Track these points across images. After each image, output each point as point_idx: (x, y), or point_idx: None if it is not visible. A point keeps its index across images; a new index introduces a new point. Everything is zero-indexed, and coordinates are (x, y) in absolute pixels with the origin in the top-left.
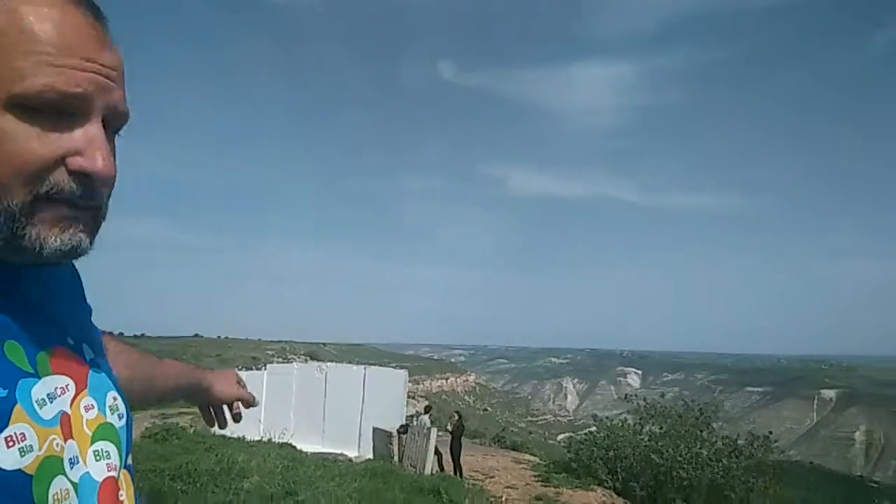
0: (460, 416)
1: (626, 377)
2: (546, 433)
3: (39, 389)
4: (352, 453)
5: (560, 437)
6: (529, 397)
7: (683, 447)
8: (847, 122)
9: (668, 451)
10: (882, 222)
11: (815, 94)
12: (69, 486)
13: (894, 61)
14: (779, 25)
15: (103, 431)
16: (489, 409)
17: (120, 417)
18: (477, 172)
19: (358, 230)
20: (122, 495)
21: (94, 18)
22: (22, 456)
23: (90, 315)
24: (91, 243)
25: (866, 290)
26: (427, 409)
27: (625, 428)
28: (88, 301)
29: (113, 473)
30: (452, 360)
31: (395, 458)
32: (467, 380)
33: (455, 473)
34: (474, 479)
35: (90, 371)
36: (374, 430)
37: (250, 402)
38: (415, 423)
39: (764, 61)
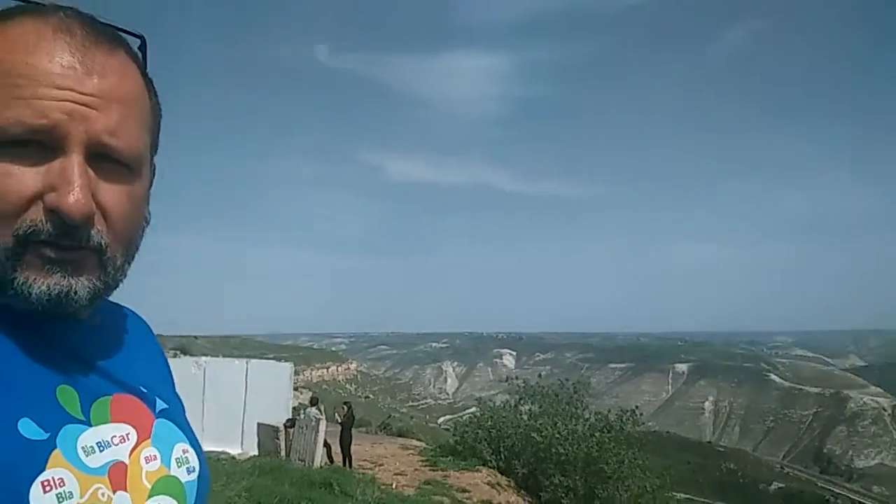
0: (350, 407)
1: (501, 358)
2: (427, 417)
3: (89, 437)
4: (235, 451)
5: (441, 419)
6: (411, 382)
7: (561, 424)
8: (704, 115)
9: (546, 429)
10: (730, 211)
11: (672, 90)
12: None
13: (733, 66)
14: (638, 27)
15: (165, 485)
16: (371, 396)
17: (189, 471)
18: (354, 158)
19: (229, 216)
20: None
21: (86, 42)
22: (60, 502)
23: (168, 371)
24: (90, 290)
25: (714, 272)
26: (314, 401)
27: (507, 409)
28: None
29: None
30: (333, 348)
31: (283, 454)
32: (349, 368)
33: (345, 464)
34: (364, 469)
35: (157, 421)
36: (259, 425)
37: None
38: (302, 416)
39: (627, 58)
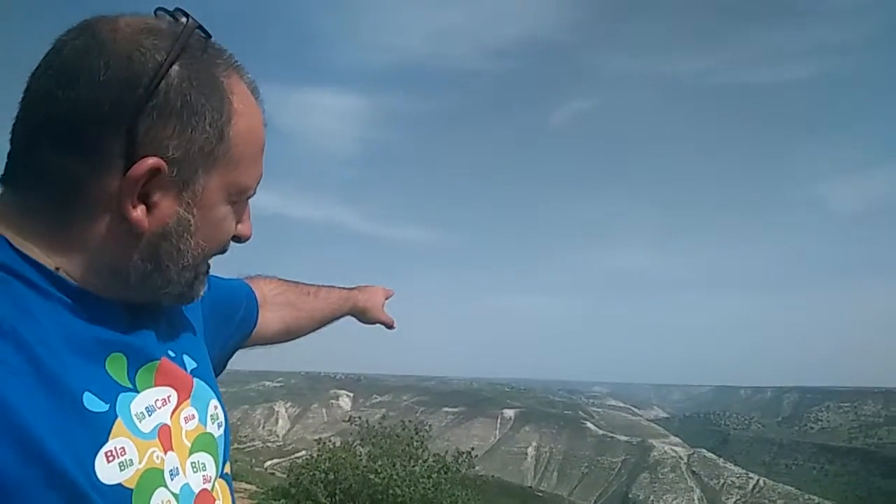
0: None
1: (338, 399)
2: (254, 461)
3: (138, 402)
4: None
5: (268, 463)
6: (238, 423)
7: (400, 465)
8: (541, 175)
9: (385, 471)
10: (557, 268)
11: (513, 150)
12: (170, 496)
13: (566, 133)
14: (488, 88)
15: (201, 442)
16: None
17: (219, 426)
18: None
19: None
20: None
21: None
22: (122, 470)
23: (200, 321)
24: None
25: (541, 323)
26: None
27: (345, 449)
28: None
29: (207, 486)
30: None
31: None
32: None
33: None
34: None
35: (193, 381)
36: None
37: (390, 326)
38: None
39: (475, 115)
